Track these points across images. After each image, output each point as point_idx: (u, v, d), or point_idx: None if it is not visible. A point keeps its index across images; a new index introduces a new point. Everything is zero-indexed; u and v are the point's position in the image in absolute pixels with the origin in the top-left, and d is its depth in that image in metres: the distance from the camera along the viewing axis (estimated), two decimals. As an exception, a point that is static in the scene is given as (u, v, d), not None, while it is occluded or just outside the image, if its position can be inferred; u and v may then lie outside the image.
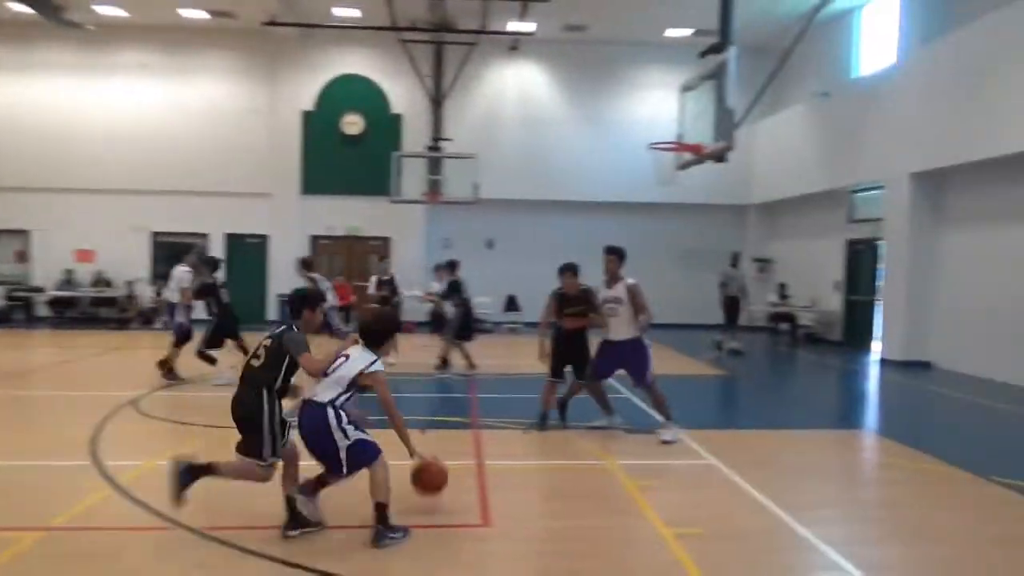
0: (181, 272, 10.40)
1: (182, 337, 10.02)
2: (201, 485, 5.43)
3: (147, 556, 4.29)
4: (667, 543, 4.57)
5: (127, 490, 5.36)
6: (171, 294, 10.62)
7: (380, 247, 19.45)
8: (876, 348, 14.53)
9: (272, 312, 18.85)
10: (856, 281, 16.20)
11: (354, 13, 17.51)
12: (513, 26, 17.53)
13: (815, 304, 17.08)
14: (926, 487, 5.91)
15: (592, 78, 19.45)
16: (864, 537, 4.83)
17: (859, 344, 15.77)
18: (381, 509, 4.46)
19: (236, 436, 4.62)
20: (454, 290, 11.66)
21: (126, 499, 5.18)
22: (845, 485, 6.04)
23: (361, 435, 4.50)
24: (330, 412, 4.42)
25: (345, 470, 4.44)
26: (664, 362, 13.01)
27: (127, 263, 18.68)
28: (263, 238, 18.96)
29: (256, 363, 4.58)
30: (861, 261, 16.07)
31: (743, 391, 10.94)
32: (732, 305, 14.05)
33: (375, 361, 4.61)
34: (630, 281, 7.25)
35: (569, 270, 7.57)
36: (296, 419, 4.57)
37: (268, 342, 4.61)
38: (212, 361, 9.85)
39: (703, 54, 9.33)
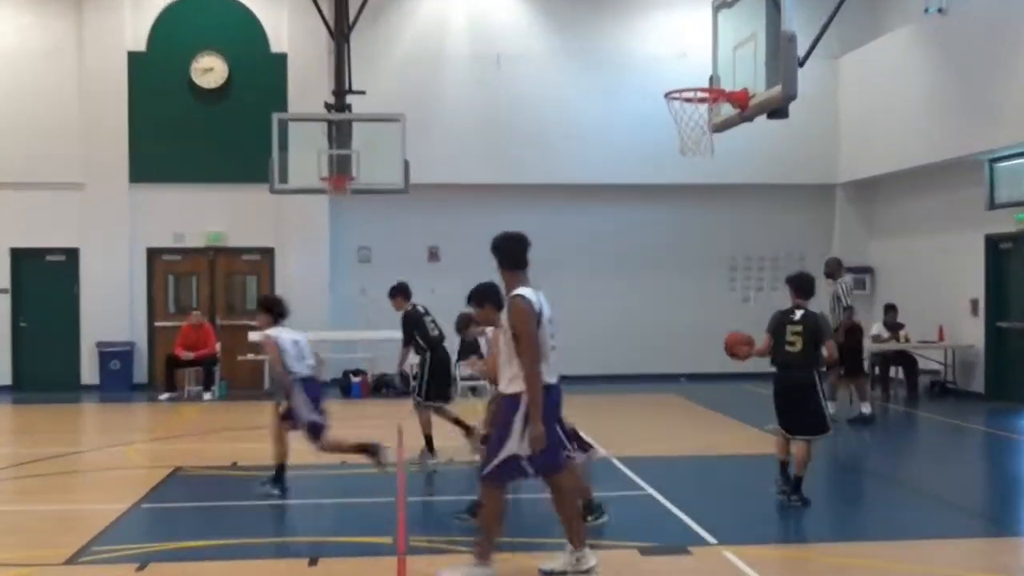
0: None
1: None
2: None
3: None
4: None
5: None
6: None
7: (260, 263, 19.12)
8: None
9: (88, 373, 18.52)
10: (1005, 298, 16.27)
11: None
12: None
13: (943, 337, 17.04)
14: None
15: (581, -3, 19.56)
16: None
17: (1013, 396, 15.77)
18: None
19: None
20: None
21: None
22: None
23: None
24: None
25: None
26: (706, 435, 13.29)
27: None
28: (71, 254, 18.66)
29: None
30: (1011, 267, 16.12)
31: (837, 480, 10.75)
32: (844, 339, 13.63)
33: None
34: None
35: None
36: None
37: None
38: None
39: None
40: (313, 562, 7.13)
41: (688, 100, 9.80)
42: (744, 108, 9.38)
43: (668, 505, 8.87)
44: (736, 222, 20.10)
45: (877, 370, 17.04)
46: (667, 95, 9.81)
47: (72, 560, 7.24)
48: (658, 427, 13.51)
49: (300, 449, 12.65)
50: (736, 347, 9.05)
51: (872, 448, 13.11)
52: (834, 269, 14.38)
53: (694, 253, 19.93)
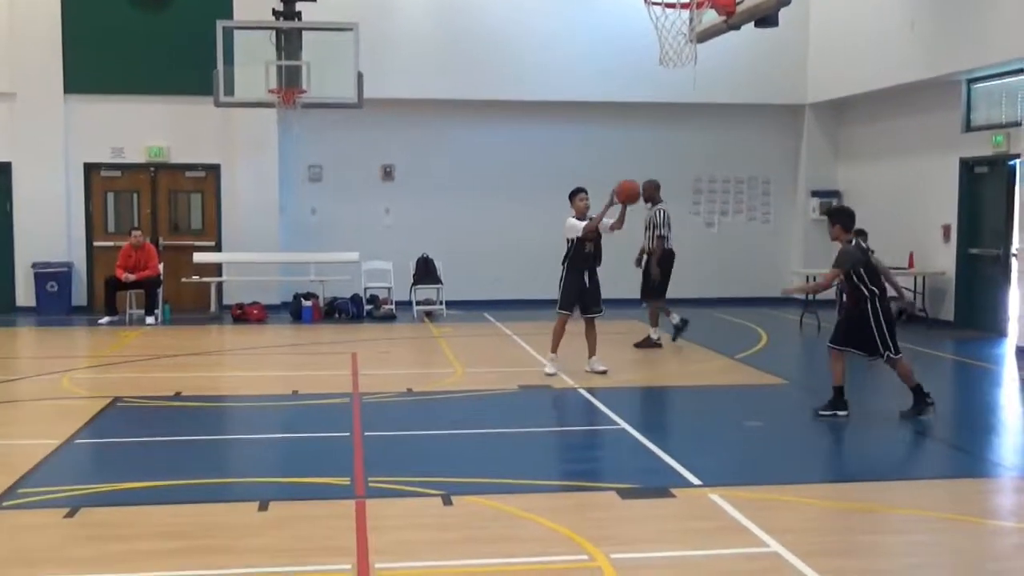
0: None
1: None
2: None
3: None
4: None
5: None
6: None
7: (205, 180, 18.65)
8: (1012, 332, 14.38)
9: (23, 294, 18.02)
10: (978, 224, 16.09)
11: None
12: None
13: (912, 264, 16.86)
14: None
15: None
16: None
17: (983, 324, 15.72)
18: None
19: None
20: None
21: None
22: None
23: None
24: None
25: None
26: (676, 364, 13.02)
27: None
28: (2, 168, 18.00)
29: None
30: (985, 192, 15.93)
31: (806, 414, 10.39)
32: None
33: None
34: None
35: None
36: None
37: None
38: None
39: None
40: (263, 507, 6.63)
41: (670, 6, 9.22)
42: (731, 14, 8.81)
43: (645, 442, 8.47)
44: (700, 143, 19.90)
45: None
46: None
47: (-5, 504, 6.75)
48: (624, 355, 13.07)
49: (247, 377, 12.37)
50: None
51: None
52: (652, 194, 13.89)
53: (657, 175, 19.12)
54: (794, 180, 20.01)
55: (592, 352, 11.67)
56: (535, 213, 17.87)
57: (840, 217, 9.55)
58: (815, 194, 19.61)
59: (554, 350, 11.62)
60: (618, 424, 9.10)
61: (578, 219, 11.51)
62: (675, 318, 13.78)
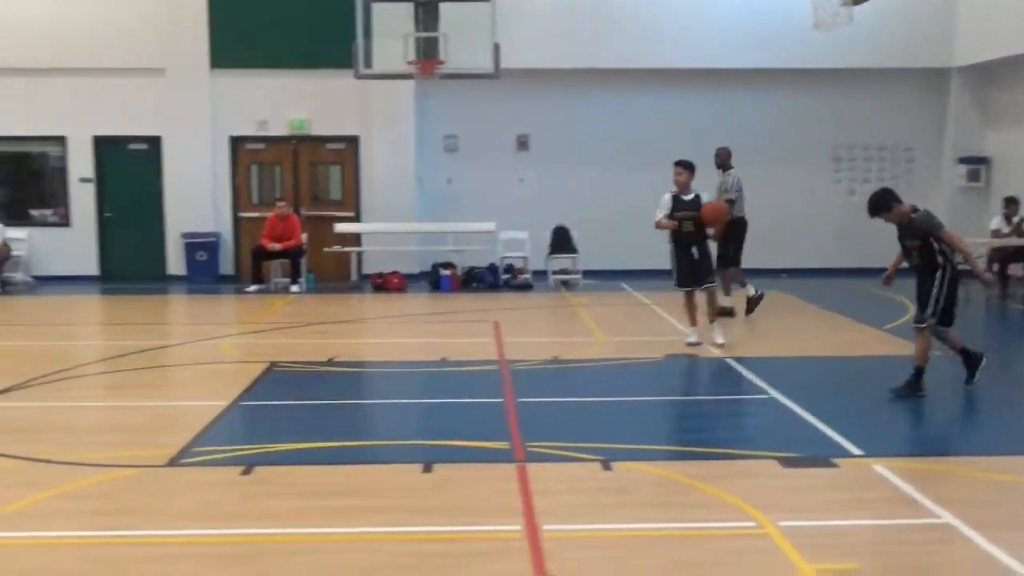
0: None
1: None
2: None
3: None
4: None
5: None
6: None
7: (345, 152, 18.88)
8: None
9: (174, 264, 18.57)
10: None
11: None
12: None
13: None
14: None
15: None
16: None
17: None
18: None
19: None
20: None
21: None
22: None
23: None
24: None
25: None
26: (823, 334, 12.71)
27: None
28: (153, 142, 18.49)
29: None
30: None
31: (963, 385, 10.07)
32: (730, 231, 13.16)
33: None
34: None
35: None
36: None
37: None
38: None
39: None
40: (427, 469, 6.78)
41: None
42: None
43: (799, 411, 8.34)
44: (841, 110, 19.34)
45: (995, 267, 16.14)
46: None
47: (175, 461, 7.04)
48: (768, 325, 12.89)
49: (395, 344, 12.61)
50: None
51: (996, 351, 12.36)
52: (724, 160, 13.57)
53: (796, 142, 19.14)
54: (939, 147, 19.27)
55: (712, 320, 11.52)
56: (670, 182, 17.71)
57: (890, 198, 8.86)
58: (962, 161, 18.95)
59: (692, 323, 11.51)
60: (769, 393, 8.99)
61: (675, 196, 11.49)
62: (726, 301, 13.27)
